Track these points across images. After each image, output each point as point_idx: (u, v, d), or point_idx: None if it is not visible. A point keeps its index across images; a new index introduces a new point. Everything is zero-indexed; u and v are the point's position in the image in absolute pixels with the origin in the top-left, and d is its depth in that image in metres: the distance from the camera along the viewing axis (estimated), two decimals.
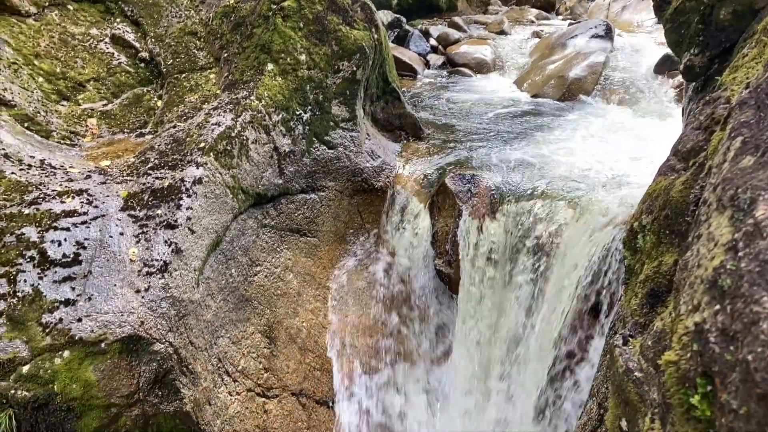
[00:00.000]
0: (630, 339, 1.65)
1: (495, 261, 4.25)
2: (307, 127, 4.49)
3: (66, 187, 3.58)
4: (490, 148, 5.04)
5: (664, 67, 6.87)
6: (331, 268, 4.77)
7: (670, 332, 1.31)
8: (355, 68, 4.63)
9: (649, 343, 1.44)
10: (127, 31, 4.67)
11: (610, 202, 4.04)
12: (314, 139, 4.55)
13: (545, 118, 5.96)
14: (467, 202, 4.43)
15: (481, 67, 8.16)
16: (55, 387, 3.10)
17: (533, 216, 4.18)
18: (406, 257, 4.72)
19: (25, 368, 3.07)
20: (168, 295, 3.36)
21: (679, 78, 6.42)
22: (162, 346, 3.29)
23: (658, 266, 1.63)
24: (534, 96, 7.02)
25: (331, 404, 4.36)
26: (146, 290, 3.31)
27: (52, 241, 3.31)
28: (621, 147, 4.99)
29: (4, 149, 3.60)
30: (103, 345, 3.16)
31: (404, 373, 4.59)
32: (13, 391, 3.08)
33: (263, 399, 4.04)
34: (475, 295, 4.31)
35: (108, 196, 3.60)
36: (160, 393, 3.31)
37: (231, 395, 3.78)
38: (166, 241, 3.47)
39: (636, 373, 1.49)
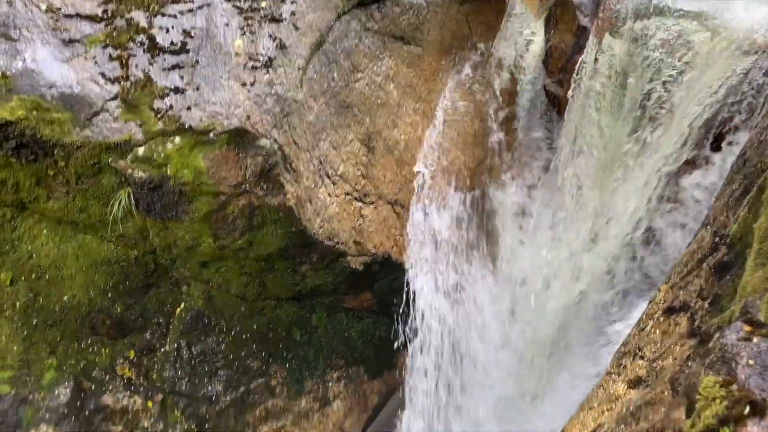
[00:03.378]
0: None
1: (614, 83, 3.92)
2: None
3: None
4: None
5: None
6: (434, 81, 4.58)
7: None
8: None
9: None
10: None
11: (753, 23, 3.54)
12: None
13: None
14: (589, 17, 4.02)
15: None
16: (168, 170, 3.25)
17: (663, 35, 3.75)
18: (515, 74, 4.44)
19: (140, 150, 3.22)
20: (273, 91, 3.34)
21: None
22: (267, 141, 3.33)
23: None
24: None
25: (423, 215, 4.42)
26: (252, 84, 3.30)
27: (160, 28, 3.29)
28: None
29: None
30: (211, 135, 3.24)
31: (499, 193, 4.55)
32: (130, 171, 3.26)
33: (360, 204, 4.14)
34: (586, 118, 4.05)
35: None
36: (265, 186, 3.42)
37: (330, 197, 3.88)
38: (270, 36, 3.37)
39: None
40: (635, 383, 2.59)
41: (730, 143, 3.51)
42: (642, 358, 2.68)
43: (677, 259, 3.03)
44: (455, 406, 4.66)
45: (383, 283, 4.55)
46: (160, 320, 3.79)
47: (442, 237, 4.40)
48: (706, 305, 2.25)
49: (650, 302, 2.98)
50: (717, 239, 2.57)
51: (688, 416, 1.28)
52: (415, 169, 4.47)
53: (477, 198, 4.48)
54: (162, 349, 3.79)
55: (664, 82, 3.64)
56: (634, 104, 3.74)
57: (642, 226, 3.77)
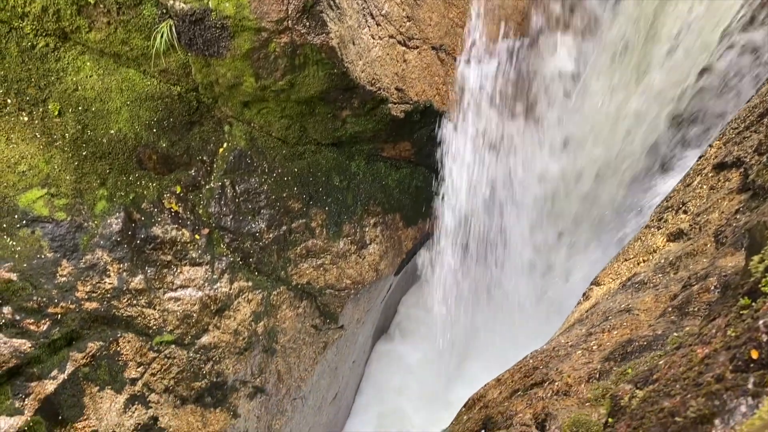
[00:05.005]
0: None
1: None
2: None
3: None
4: None
5: None
6: None
7: None
8: None
9: None
10: None
11: None
12: None
13: None
14: None
15: None
16: (210, 3, 3.13)
17: None
18: None
19: None
20: None
21: None
22: None
23: None
24: None
25: (467, 62, 4.26)
26: None
27: None
28: None
29: None
30: None
31: (550, 41, 4.33)
32: (171, 2, 3.15)
33: (403, 48, 3.99)
34: None
35: None
36: (307, 23, 3.29)
37: (374, 38, 3.74)
38: None
39: None
40: (676, 236, 2.59)
41: None
42: (685, 212, 2.66)
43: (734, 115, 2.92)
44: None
45: (423, 133, 4.50)
46: (204, 158, 3.86)
47: (489, 84, 4.27)
48: (764, 159, 2.19)
49: (699, 158, 2.91)
50: None
51: (750, 255, 1.28)
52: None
53: (526, 45, 4.28)
54: (207, 186, 3.89)
55: None
56: None
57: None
